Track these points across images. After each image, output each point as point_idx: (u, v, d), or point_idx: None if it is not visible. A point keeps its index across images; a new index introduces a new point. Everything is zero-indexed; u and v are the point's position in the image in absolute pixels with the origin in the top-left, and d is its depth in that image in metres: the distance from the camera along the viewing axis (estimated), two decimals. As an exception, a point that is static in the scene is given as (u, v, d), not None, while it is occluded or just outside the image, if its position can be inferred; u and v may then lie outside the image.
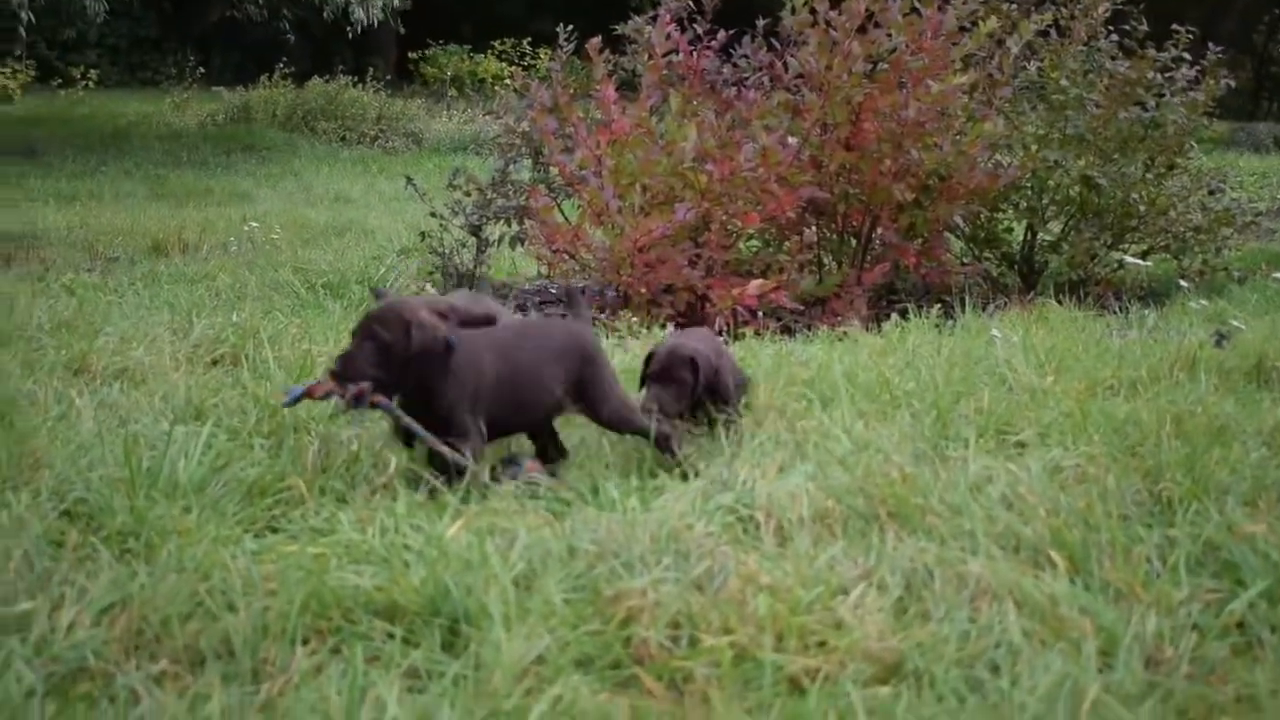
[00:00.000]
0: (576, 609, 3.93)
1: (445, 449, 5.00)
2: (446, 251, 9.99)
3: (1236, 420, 6.02)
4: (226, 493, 4.88)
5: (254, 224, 13.08)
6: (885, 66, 9.66)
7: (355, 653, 3.48)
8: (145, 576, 4.00)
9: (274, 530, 4.63)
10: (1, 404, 5.93)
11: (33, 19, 21.96)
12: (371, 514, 4.61)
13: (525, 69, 22.46)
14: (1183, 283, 10.36)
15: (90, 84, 31.47)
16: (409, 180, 10.68)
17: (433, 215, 10.03)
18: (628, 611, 3.87)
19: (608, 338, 8.09)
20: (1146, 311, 9.27)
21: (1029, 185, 10.59)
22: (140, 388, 6.46)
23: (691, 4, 10.06)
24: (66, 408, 5.94)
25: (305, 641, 3.62)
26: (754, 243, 9.99)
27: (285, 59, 28.48)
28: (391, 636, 3.74)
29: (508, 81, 20.12)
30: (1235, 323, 8.34)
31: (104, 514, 4.59)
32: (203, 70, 32.09)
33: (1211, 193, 11.41)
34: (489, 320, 5.79)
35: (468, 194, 10.07)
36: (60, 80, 31.86)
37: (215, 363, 7.12)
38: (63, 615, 3.69)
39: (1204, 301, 9.59)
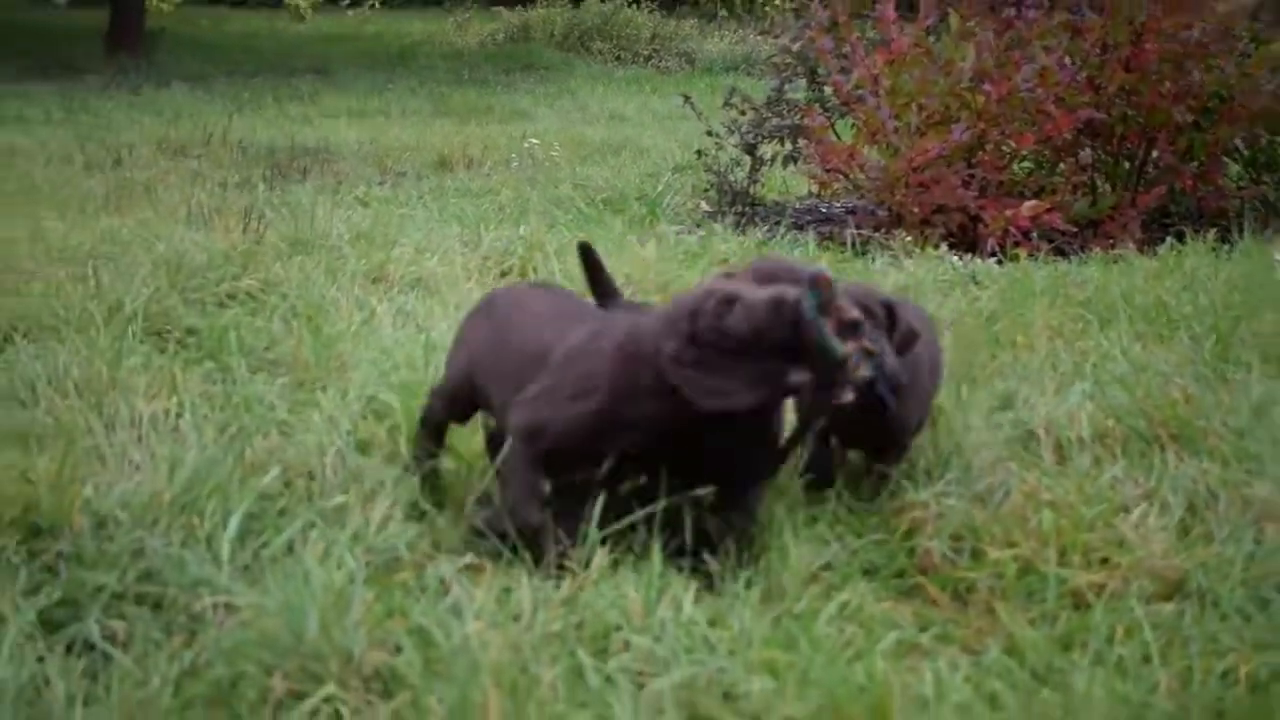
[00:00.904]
0: (861, 518, 3.97)
1: None
2: (721, 169, 9.99)
3: None
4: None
5: (533, 141, 13.21)
6: (1170, -14, 9.42)
7: (653, 553, 3.54)
8: (452, 476, 4.14)
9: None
10: (309, 309, 6.14)
11: (323, -59, 22.48)
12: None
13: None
14: None
15: (376, 4, 32.06)
16: (686, 98, 10.70)
17: (709, 134, 10.03)
18: (911, 523, 3.92)
19: (880, 257, 8.07)
20: None
21: (1315, 109, 10.24)
22: (435, 296, 6.63)
23: (972, -76, 9.90)
24: (368, 314, 6.13)
25: (603, 542, 3.70)
26: (1027, 164, 9.83)
27: (563, -20, 28.71)
28: (685, 541, 3.81)
29: (777, 2, 19.96)
30: None
31: (407, 416, 4.75)
32: (483, -9, 32.50)
33: None
34: None
35: (742, 113, 10.06)
36: (349, 1, 32.50)
37: (504, 274, 7.25)
38: (375, 509, 3.83)
39: None
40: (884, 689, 2.90)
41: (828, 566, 3.67)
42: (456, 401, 4.28)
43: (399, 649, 3.10)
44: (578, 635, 3.24)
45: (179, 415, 4.72)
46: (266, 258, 7.20)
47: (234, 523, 3.68)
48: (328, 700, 2.91)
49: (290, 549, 3.58)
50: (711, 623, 3.35)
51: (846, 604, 3.46)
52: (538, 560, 3.60)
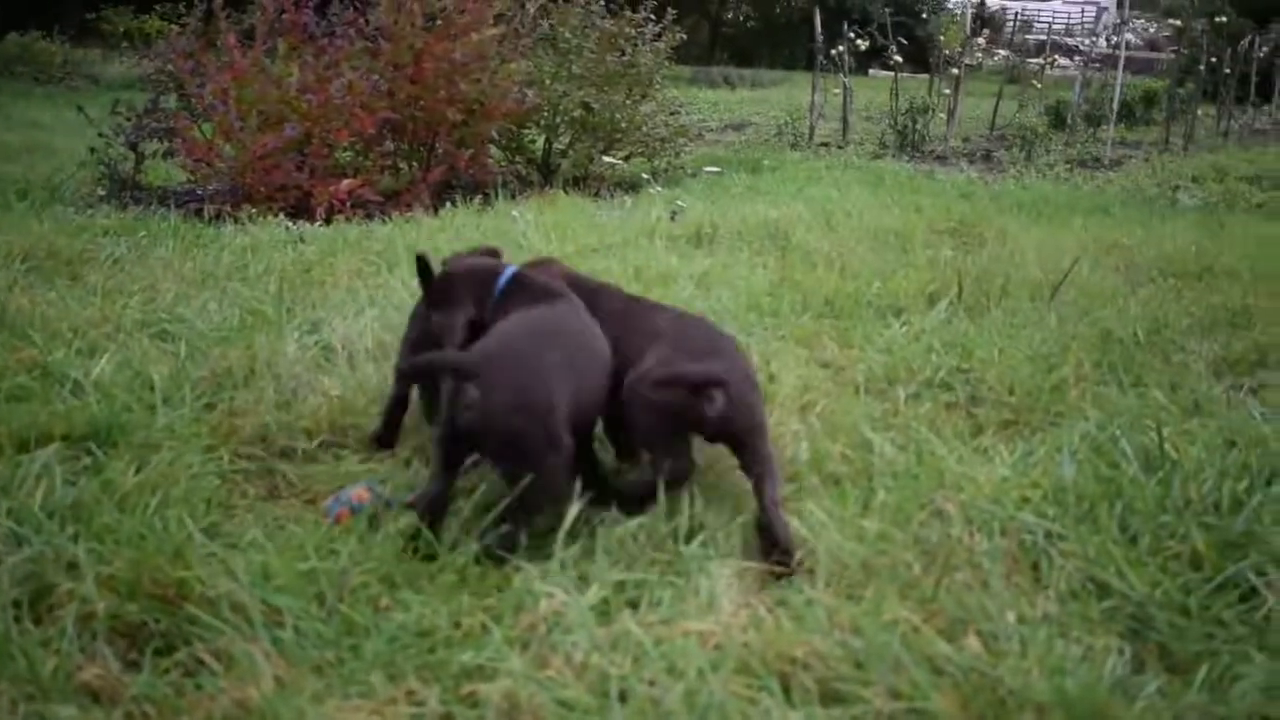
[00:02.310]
0: (198, 425, 3.82)
1: None
2: (113, 163, 9.46)
3: (677, 269, 6.24)
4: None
5: (-41, 145, 12.08)
6: (439, 22, 9.58)
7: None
8: None
9: None
10: None
11: None
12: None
13: (181, 27, 21.20)
14: (647, 177, 10.65)
15: None
16: (80, 109, 10.14)
17: (100, 135, 9.47)
18: (231, 426, 3.78)
19: (231, 225, 7.79)
20: (626, 197, 9.50)
21: (546, 109, 10.63)
22: None
23: (293, -27, 9.71)
24: None
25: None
26: (348, 153, 9.75)
27: (-13, 19, 26.34)
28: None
29: (165, 35, 18.98)
30: (683, 203, 8.60)
31: None
32: (-80, 28, 29.33)
33: (673, 114, 11.75)
34: None
35: (128, 119, 9.52)
36: None
37: (-81, 252, 6.55)
38: None
39: (664, 189, 9.87)
40: (183, 539, 2.79)
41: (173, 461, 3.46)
42: None
43: None
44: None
45: None
46: None
47: None
48: None
49: None
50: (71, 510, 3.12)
51: (168, 477, 3.31)
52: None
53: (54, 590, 2.68)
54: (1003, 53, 21.75)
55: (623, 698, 2.39)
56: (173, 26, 13.11)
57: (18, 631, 2.49)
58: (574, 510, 2.89)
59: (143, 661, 2.49)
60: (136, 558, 2.71)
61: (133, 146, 9.43)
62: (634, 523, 3.06)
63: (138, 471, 3.35)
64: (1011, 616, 2.76)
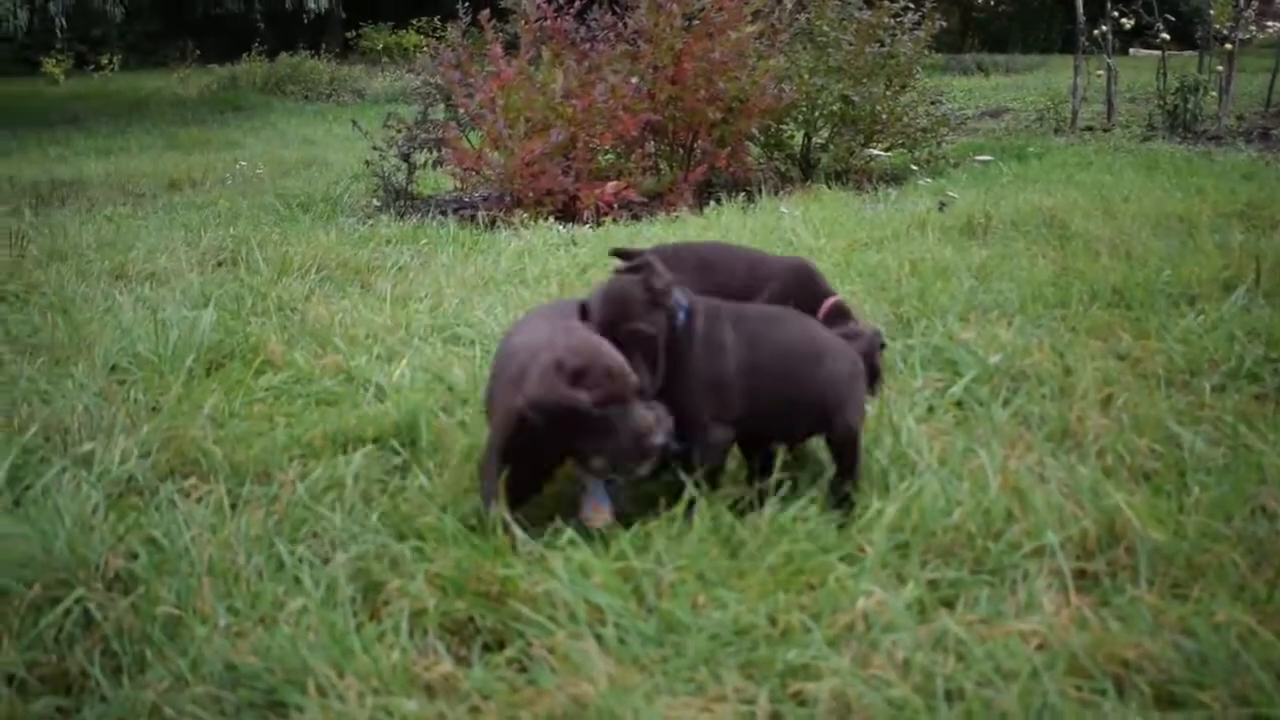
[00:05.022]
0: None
1: None
2: (386, 174, 9.84)
3: (953, 262, 6.10)
4: (233, 355, 4.81)
5: (243, 163, 12.73)
6: (698, 22, 9.63)
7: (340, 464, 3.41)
8: (177, 418, 3.94)
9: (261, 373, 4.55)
10: (64, 302, 5.79)
11: (64, 23, 21.21)
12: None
13: (439, 39, 21.93)
14: (914, 168, 10.46)
15: (115, 67, 30.50)
16: (355, 123, 10.55)
17: (374, 148, 9.85)
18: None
19: (505, 230, 8.03)
20: (890, 190, 9.35)
21: (804, 104, 10.54)
22: (165, 286, 6.31)
23: (553, -19, 9.93)
24: (111, 303, 5.80)
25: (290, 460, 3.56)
26: (610, 156, 9.90)
27: (259, 40, 27.72)
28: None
29: (424, 49, 19.65)
30: (952, 194, 8.43)
31: (143, 376, 4.51)
32: (199, 52, 31.08)
33: (933, 104, 11.49)
34: None
35: (399, 131, 9.89)
36: (93, 66, 30.77)
37: (220, 264, 6.95)
38: (115, 450, 3.62)
39: (929, 180, 9.69)
40: (505, 544, 2.87)
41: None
42: None
43: (134, 555, 2.94)
44: (276, 530, 3.12)
45: (-44, 393, 4.38)
46: (29, 267, 6.77)
47: (1, 473, 3.44)
48: (78, 601, 2.73)
49: (48, 490, 3.35)
50: (390, 508, 3.25)
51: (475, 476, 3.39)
52: None
53: (382, 587, 2.79)
54: (1274, 25, 20.46)
55: (949, 698, 2.35)
56: (429, 40, 13.54)
57: (355, 626, 2.59)
58: (891, 508, 2.85)
59: (471, 657, 2.56)
60: (460, 556, 2.80)
61: (405, 158, 9.78)
62: (944, 520, 3.01)
63: (440, 474, 3.47)
64: (1359, 622, 2.60)
